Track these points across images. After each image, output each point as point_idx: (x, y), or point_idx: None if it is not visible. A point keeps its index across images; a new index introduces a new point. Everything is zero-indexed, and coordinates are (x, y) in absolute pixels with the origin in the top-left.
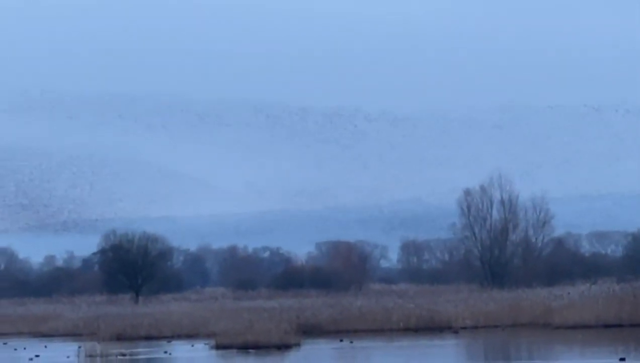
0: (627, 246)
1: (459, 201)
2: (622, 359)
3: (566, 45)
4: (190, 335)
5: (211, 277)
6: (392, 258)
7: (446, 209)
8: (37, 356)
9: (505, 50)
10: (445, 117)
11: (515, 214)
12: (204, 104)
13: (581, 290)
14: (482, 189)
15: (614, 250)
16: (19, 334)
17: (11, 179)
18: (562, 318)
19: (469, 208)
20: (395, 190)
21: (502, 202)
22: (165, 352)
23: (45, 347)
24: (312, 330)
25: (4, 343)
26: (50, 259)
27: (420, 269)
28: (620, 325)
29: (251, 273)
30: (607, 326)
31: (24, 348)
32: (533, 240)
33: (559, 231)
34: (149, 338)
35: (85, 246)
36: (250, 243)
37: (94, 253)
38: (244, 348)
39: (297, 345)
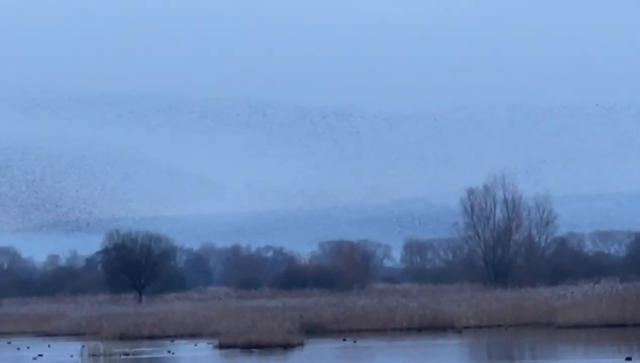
0: (631, 246)
1: (462, 200)
2: (629, 358)
3: (581, 44)
4: (193, 335)
5: (214, 277)
6: (395, 258)
7: (449, 208)
8: (40, 355)
9: (519, 49)
10: (448, 116)
11: (519, 214)
12: (205, 103)
13: (584, 290)
14: (486, 188)
15: (617, 250)
16: (22, 333)
17: (22, 179)
18: (566, 317)
19: (472, 207)
20: (399, 189)
21: (505, 202)
22: (169, 352)
23: (49, 346)
24: (315, 330)
25: (8, 343)
26: (53, 258)
27: (424, 268)
28: (623, 325)
29: (254, 272)
30: (610, 325)
31: (27, 348)
32: (536, 239)
33: (562, 230)
34: (152, 337)
35: (88, 245)
36: (253, 243)
37: (97, 253)
38: (247, 347)
39: (300, 344)
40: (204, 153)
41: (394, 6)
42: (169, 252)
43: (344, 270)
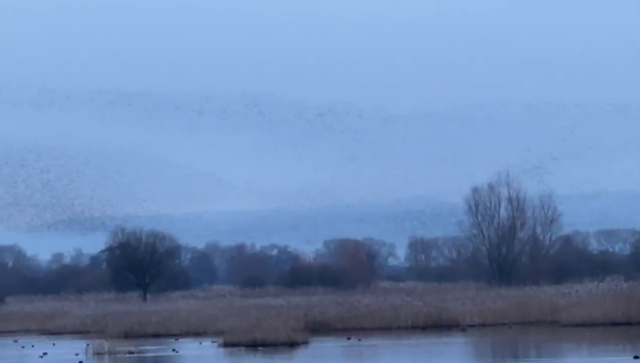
0: (635, 244)
1: (467, 199)
2: (637, 357)
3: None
4: (198, 333)
5: (219, 275)
6: (399, 256)
7: (454, 207)
8: (45, 354)
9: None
10: (451, 115)
11: (523, 212)
12: (204, 102)
13: (589, 288)
14: (490, 187)
15: (622, 248)
16: (27, 332)
17: (38, 179)
18: (570, 316)
19: (476, 205)
20: (404, 188)
21: (509, 200)
22: (173, 350)
23: (53, 344)
24: (319, 328)
25: (14, 341)
26: (58, 257)
27: (428, 267)
28: (628, 323)
29: (259, 271)
30: (614, 324)
31: (32, 346)
32: (541, 237)
33: (566, 229)
34: (156, 336)
35: (93, 244)
36: (258, 241)
37: (102, 251)
38: (252, 345)
39: (305, 342)
40: (208, 152)
41: (403, 4)
42: (174, 250)
43: (348, 269)
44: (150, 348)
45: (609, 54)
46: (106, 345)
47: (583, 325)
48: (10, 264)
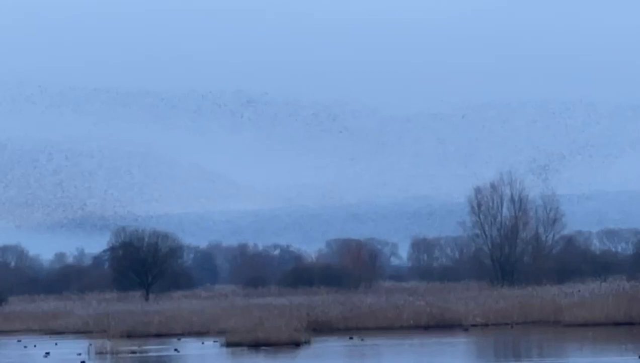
0: (638, 244)
1: (469, 198)
2: None
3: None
4: (200, 333)
5: (221, 275)
6: (402, 256)
7: (457, 206)
8: (47, 353)
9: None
10: (453, 115)
11: (526, 212)
12: (203, 101)
13: (591, 288)
14: (493, 186)
15: (625, 248)
16: (29, 331)
17: (50, 180)
18: (572, 315)
19: (479, 205)
20: (406, 187)
21: (512, 200)
22: (176, 350)
23: (56, 344)
24: (322, 328)
25: (18, 341)
26: (60, 256)
27: (431, 266)
28: (630, 323)
29: (261, 270)
30: (617, 324)
31: (34, 346)
32: (543, 237)
33: (569, 229)
34: (159, 335)
35: (95, 243)
36: (260, 241)
37: (104, 251)
38: (255, 345)
39: (308, 342)
40: (209, 152)
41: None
42: (176, 250)
43: (350, 268)
44: (153, 348)
45: (620, 55)
46: (108, 344)
47: (585, 325)
48: (12, 264)
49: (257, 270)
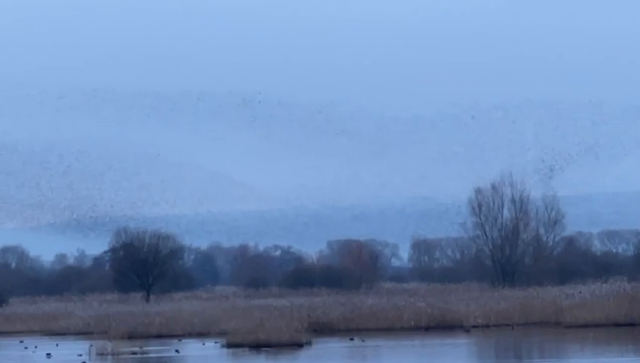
0: (639, 245)
1: (470, 199)
2: None
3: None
4: (201, 334)
5: (222, 276)
6: (403, 257)
7: (457, 207)
8: (48, 354)
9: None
10: (455, 114)
11: (527, 213)
12: (202, 100)
13: (592, 289)
14: (493, 187)
15: (626, 249)
16: (31, 332)
17: (59, 181)
18: (573, 317)
19: (480, 206)
20: (407, 188)
21: (513, 201)
22: (176, 351)
23: (57, 345)
24: (323, 329)
25: (20, 342)
26: (61, 257)
27: (431, 268)
28: (631, 324)
29: (262, 271)
30: (618, 325)
31: (35, 347)
32: (544, 238)
33: (569, 230)
34: (160, 336)
35: (96, 245)
36: (261, 242)
37: (105, 252)
38: (255, 346)
39: (308, 343)
40: (211, 152)
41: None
42: (177, 251)
43: (351, 269)
44: (154, 349)
45: (629, 56)
46: (109, 345)
47: (586, 326)
48: (13, 265)
49: (258, 271)
